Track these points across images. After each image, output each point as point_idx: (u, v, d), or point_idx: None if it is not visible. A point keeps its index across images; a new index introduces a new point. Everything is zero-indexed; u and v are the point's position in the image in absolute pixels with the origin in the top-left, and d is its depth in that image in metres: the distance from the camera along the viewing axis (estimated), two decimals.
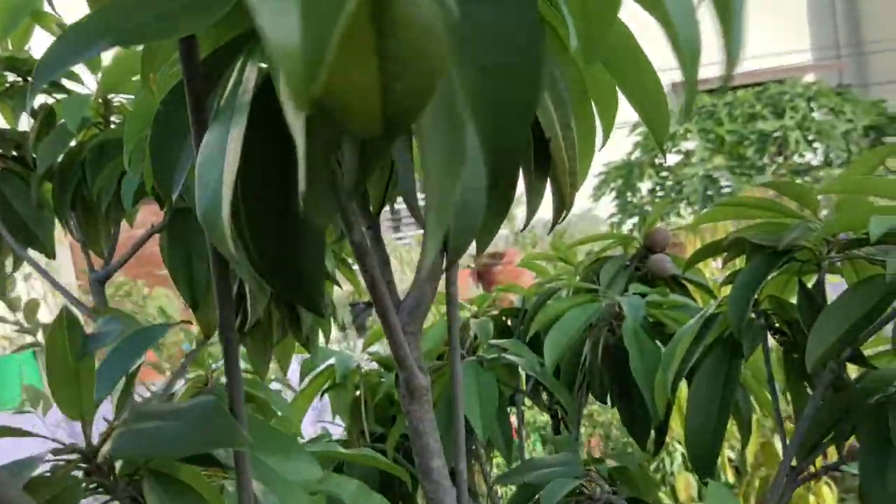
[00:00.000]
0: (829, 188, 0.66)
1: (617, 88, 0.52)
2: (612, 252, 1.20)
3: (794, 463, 0.73)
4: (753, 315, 0.78)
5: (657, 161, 7.26)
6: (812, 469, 0.74)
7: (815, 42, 9.26)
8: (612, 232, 1.21)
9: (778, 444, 1.93)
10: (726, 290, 0.82)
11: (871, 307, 0.63)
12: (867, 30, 9.12)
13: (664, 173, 7.12)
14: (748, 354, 0.73)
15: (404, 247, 5.30)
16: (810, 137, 6.81)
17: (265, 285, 0.97)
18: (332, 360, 1.31)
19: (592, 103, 0.53)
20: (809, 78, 8.04)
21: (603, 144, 0.56)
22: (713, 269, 2.15)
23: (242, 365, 1.42)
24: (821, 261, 0.74)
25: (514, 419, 1.28)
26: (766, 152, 6.77)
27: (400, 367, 0.50)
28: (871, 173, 0.67)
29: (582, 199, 7.34)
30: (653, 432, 0.98)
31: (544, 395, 1.19)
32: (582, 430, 3.14)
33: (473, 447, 1.08)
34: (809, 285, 0.79)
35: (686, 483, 2.20)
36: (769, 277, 0.78)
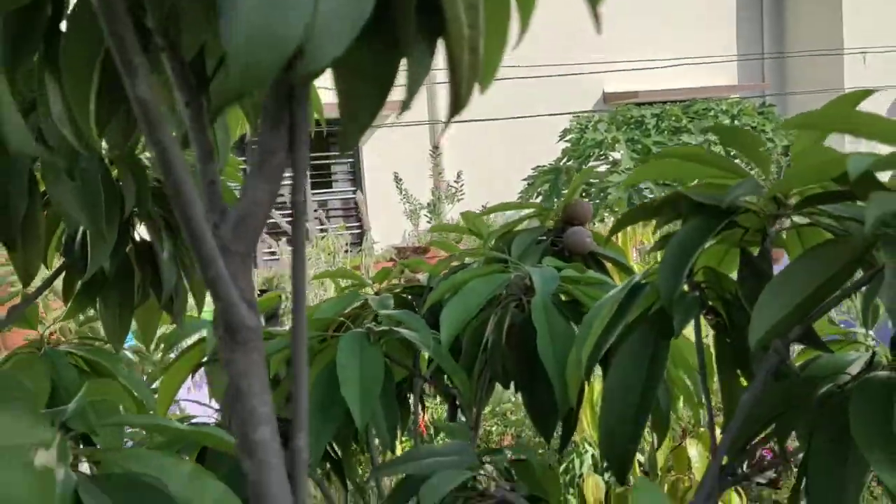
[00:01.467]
0: (800, 122, 0.54)
1: None
2: (528, 224, 1.07)
3: (724, 461, 0.61)
4: (687, 287, 0.67)
5: (585, 167, 7.32)
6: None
7: (742, 61, 9.52)
8: (529, 202, 1.08)
9: (692, 451, 1.85)
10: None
11: (833, 274, 0.51)
12: (790, 44, 9.47)
13: (591, 180, 7.16)
14: (679, 330, 0.61)
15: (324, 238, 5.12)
16: (732, 153, 6.94)
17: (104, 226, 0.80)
18: (202, 332, 1.14)
19: None
20: (735, 97, 8.24)
21: (521, 35, 0.42)
22: (638, 265, 2.06)
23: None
24: (769, 225, 0.63)
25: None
26: None
27: (213, 295, 0.35)
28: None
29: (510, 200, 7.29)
30: (560, 425, 0.85)
31: (447, 380, 1.06)
32: (493, 428, 3.03)
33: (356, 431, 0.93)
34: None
35: (594, 486, 2.10)
36: (708, 244, 0.66)
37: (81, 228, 0.88)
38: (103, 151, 0.84)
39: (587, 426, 2.28)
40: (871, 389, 0.50)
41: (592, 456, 2.39)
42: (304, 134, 0.37)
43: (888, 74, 8.63)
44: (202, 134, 0.38)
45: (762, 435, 0.60)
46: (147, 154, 0.91)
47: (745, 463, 0.64)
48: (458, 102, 0.38)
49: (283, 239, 4.83)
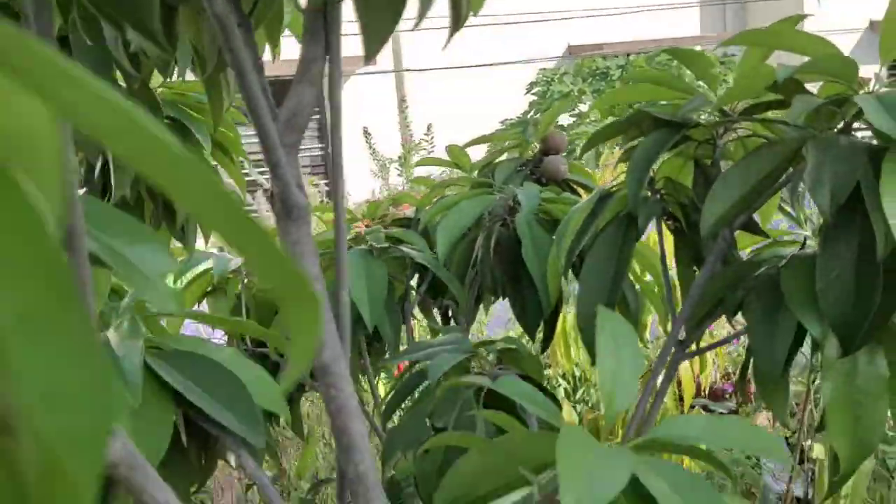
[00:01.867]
0: (741, 39, 0.64)
1: None
2: (508, 156, 1.17)
3: (681, 337, 0.72)
4: (649, 193, 0.77)
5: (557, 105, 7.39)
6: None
7: (705, 9, 9.61)
8: (509, 133, 1.18)
9: None
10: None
11: (772, 169, 0.61)
12: None
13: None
14: (643, 227, 0.71)
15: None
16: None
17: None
18: (208, 263, 1.23)
19: None
20: (698, 48, 8.34)
21: None
22: None
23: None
24: (717, 136, 0.73)
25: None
26: None
27: (274, 177, 0.44)
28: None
29: (481, 151, 7.39)
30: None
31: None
32: None
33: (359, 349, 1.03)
34: None
35: (566, 413, 2.24)
36: (666, 156, 0.76)
37: (100, 161, 0.96)
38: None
39: (560, 358, 2.41)
40: (800, 261, 0.61)
41: (564, 389, 2.55)
42: (338, 45, 0.47)
43: (846, 15, 8.78)
44: (253, 49, 0.46)
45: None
46: (160, 90, 0.98)
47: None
48: (457, 19, 0.47)
49: (259, 191, 4.86)
